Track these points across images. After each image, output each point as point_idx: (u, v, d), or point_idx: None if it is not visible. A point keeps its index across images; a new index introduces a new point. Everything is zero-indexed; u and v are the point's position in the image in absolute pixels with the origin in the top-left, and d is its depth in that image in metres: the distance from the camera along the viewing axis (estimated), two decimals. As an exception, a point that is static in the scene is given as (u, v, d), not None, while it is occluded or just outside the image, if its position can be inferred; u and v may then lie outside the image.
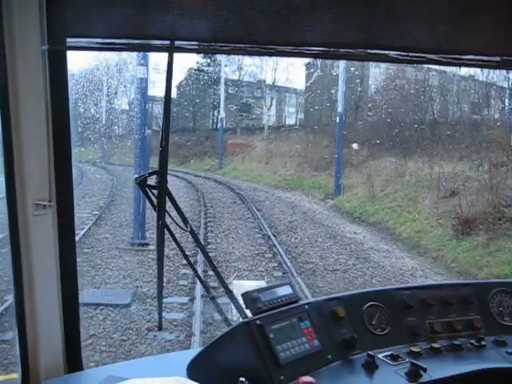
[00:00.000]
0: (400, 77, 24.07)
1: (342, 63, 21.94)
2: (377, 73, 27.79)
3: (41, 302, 1.50)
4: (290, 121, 36.42)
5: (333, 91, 27.34)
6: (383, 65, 25.74)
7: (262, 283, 7.83)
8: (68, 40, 1.50)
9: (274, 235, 11.25)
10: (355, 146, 21.87)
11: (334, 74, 26.42)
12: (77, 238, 9.75)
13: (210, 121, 38.33)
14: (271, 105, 36.23)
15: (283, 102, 37.47)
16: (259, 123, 36.01)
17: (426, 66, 21.87)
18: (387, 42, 1.70)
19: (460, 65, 1.87)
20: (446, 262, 10.18)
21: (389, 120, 21.47)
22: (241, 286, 7.57)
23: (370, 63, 25.89)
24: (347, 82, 25.46)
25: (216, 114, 36.08)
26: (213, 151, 31.69)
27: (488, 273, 9.16)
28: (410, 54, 1.72)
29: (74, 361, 1.64)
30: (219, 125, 31.52)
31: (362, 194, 16.82)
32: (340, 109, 19.59)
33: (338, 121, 19.46)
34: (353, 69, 26.40)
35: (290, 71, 52.76)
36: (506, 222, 10.73)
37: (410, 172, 16.60)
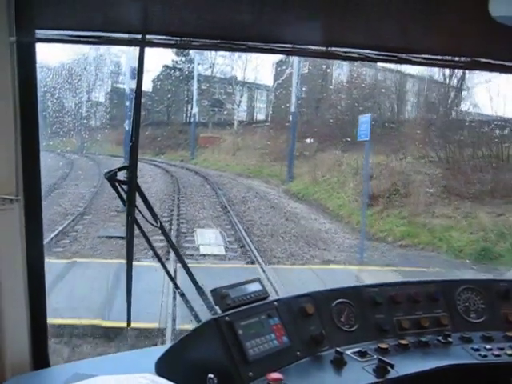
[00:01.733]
0: (359, 77, 26.07)
1: (296, 65, 24.27)
2: (337, 73, 29.10)
3: (7, 299, 1.46)
4: (261, 116, 37.50)
5: (304, 88, 28.55)
6: (345, 65, 26.72)
7: (216, 231, 11.59)
8: (37, 32, 1.48)
9: (229, 205, 14.93)
10: (309, 140, 25.40)
11: (305, 71, 28.11)
12: (85, 205, 13.25)
13: (184, 115, 39.04)
14: (241, 101, 37.54)
15: (254, 99, 38.35)
16: (230, 118, 36.68)
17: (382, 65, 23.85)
18: (358, 40, 1.74)
19: (430, 65, 1.88)
20: (352, 225, 14.12)
21: (341, 118, 24.07)
22: (202, 232, 11.37)
23: (334, 63, 26.77)
24: (307, 82, 27.74)
25: (189, 108, 36.93)
26: (186, 144, 33.57)
27: (376, 229, 13.17)
28: (382, 53, 1.78)
29: (40, 357, 1.62)
30: (192, 119, 33.31)
31: (308, 179, 20.27)
32: (292, 108, 22.56)
33: (291, 119, 22.62)
34: (324, 66, 28.09)
35: (258, 70, 53.76)
36: (398, 196, 14.84)
37: (347, 163, 19.74)
